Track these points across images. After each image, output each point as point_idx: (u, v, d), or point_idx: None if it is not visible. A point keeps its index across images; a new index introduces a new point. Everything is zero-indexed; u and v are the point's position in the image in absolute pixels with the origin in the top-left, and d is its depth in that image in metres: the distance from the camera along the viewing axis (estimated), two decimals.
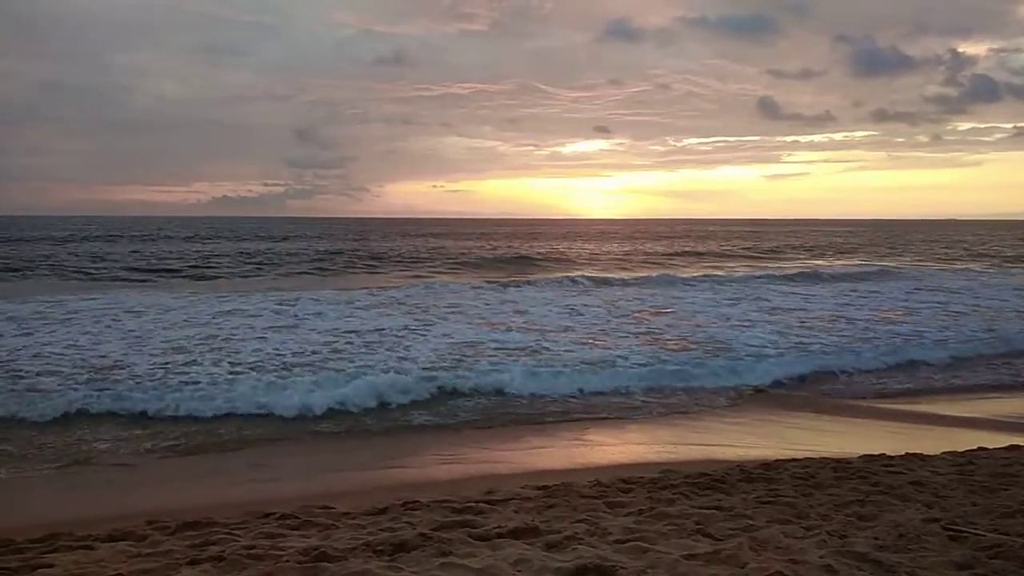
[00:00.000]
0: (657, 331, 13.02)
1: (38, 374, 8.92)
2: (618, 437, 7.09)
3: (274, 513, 4.78)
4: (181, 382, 8.61)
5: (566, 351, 11.04)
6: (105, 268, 26.69)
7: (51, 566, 3.81)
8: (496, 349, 11.17)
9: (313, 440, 7.04)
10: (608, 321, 14.47)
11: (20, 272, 24.66)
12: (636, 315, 15.37)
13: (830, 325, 13.95)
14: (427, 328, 13.12)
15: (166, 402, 7.82)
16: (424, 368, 9.56)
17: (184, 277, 25.09)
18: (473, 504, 4.84)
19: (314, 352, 10.66)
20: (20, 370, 9.11)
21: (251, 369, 9.44)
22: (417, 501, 4.97)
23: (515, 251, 37.95)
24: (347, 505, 4.98)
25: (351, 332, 12.51)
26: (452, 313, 15.40)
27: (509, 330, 13.09)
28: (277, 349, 10.81)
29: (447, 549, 3.88)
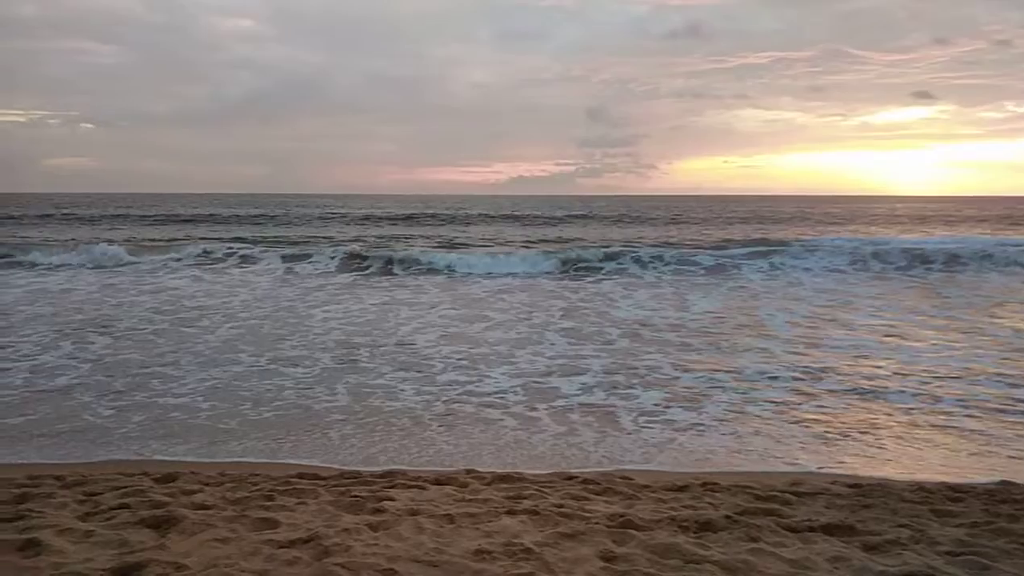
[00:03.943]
0: None
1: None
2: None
3: (578, 477, 5.01)
4: None
5: None
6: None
7: (393, 500, 4.34)
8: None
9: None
10: None
11: None
12: None
13: None
14: None
15: None
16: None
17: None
18: (778, 494, 4.66)
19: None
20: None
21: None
22: (716, 483, 4.91)
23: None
24: (645, 479, 5.07)
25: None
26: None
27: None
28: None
29: (755, 535, 3.79)
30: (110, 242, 21.94)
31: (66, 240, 25.08)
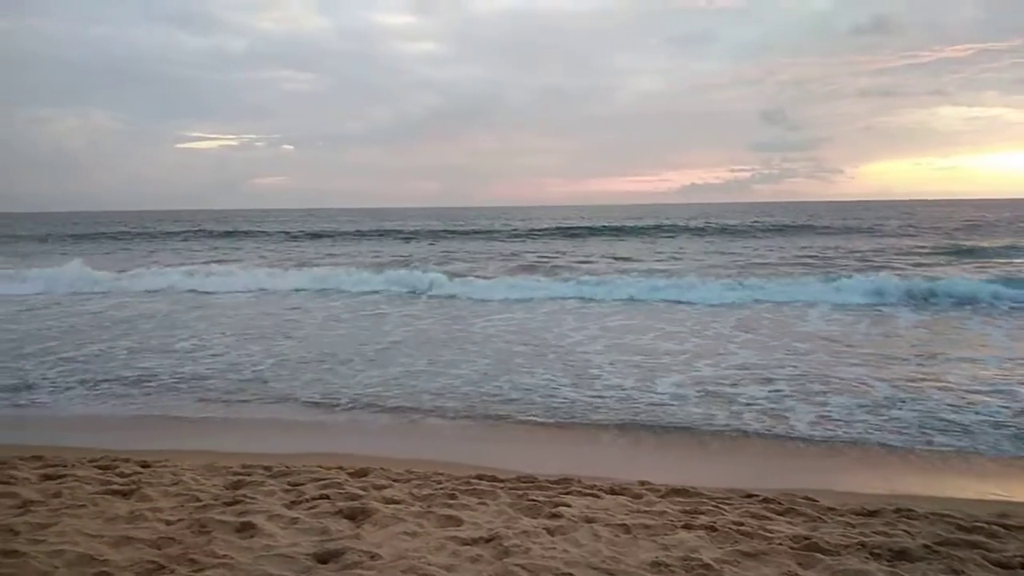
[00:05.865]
0: None
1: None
2: None
3: (757, 495, 4.85)
4: None
5: None
6: None
7: (568, 505, 4.42)
8: None
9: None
10: None
11: None
12: None
13: None
14: None
15: None
16: None
17: None
18: (983, 525, 4.27)
19: None
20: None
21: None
22: (912, 510, 4.57)
23: None
24: (830, 500, 4.82)
25: None
26: None
27: None
28: None
29: (959, 568, 3.51)
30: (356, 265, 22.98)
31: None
